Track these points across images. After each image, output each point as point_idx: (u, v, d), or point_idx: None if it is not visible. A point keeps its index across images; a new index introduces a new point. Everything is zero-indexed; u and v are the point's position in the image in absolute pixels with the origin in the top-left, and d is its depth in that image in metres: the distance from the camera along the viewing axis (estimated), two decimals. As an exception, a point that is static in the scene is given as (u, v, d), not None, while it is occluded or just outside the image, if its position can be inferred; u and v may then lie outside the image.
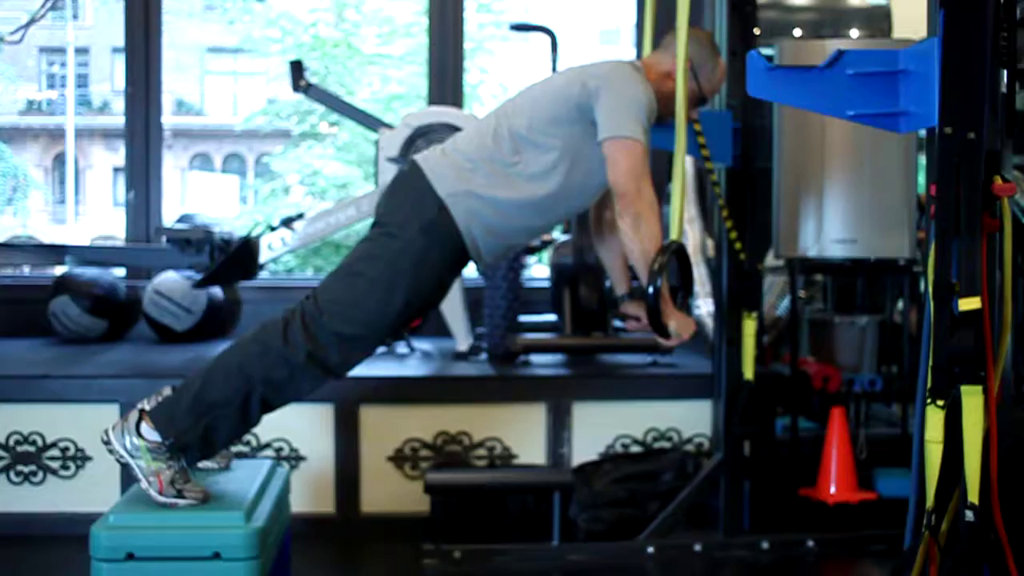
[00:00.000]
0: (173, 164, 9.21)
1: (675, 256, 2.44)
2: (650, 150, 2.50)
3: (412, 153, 3.84)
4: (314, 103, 4.55)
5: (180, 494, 2.23)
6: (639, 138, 2.42)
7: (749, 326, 3.17)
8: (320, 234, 4.02)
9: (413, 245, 2.42)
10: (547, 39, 4.37)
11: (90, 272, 4.25)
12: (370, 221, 2.57)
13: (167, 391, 2.37)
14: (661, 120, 2.66)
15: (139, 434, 2.27)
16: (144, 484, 2.26)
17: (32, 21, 4.43)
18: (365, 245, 2.49)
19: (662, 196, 3.73)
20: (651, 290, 2.34)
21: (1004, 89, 1.67)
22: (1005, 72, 1.67)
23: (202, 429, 2.31)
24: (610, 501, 3.21)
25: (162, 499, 2.23)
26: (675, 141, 2.49)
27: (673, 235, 2.44)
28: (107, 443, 2.30)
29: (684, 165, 2.49)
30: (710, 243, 3.90)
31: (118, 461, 2.30)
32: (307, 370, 2.38)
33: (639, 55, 4.90)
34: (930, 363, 1.59)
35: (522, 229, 2.55)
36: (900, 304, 3.69)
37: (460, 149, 2.53)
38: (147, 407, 2.33)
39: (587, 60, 2.65)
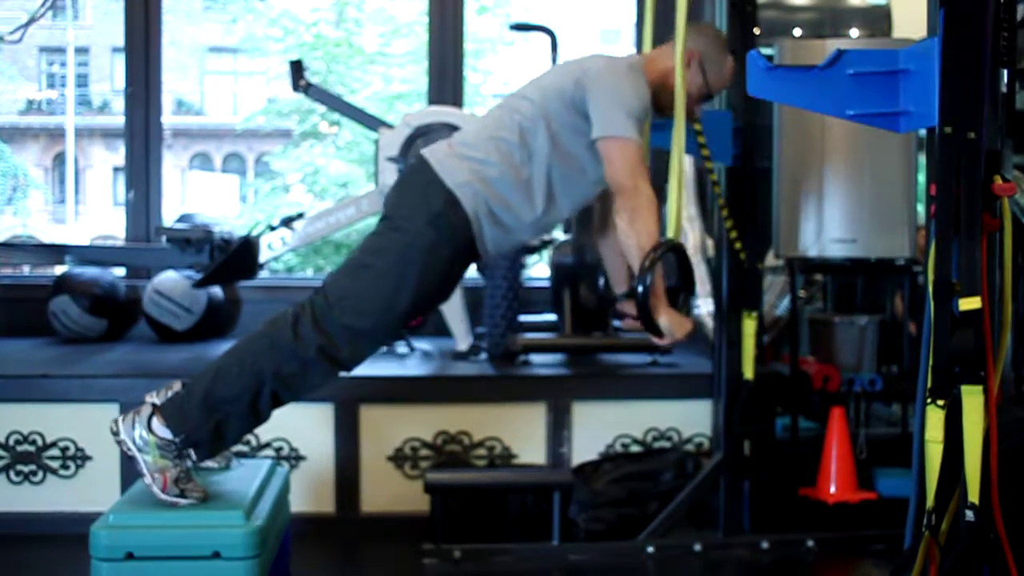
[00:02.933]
0: (173, 164, 9.22)
1: (673, 254, 2.43)
2: (650, 147, 2.50)
3: (412, 153, 3.86)
4: (314, 103, 4.55)
5: (183, 494, 2.24)
6: (633, 136, 2.43)
7: (749, 326, 3.17)
8: (320, 234, 4.02)
9: (421, 237, 2.43)
10: (547, 39, 4.37)
11: (90, 272, 4.25)
12: (373, 219, 2.58)
13: (177, 386, 2.37)
14: (663, 115, 2.67)
15: (150, 429, 2.27)
16: (148, 480, 2.26)
17: (32, 21, 4.43)
18: (373, 239, 2.50)
19: (661, 196, 3.72)
20: (640, 287, 2.33)
21: (1004, 89, 1.67)
22: (1005, 72, 1.67)
23: (213, 425, 2.32)
24: (610, 501, 3.21)
25: (165, 497, 2.23)
26: (672, 138, 2.49)
27: (670, 233, 2.43)
28: (115, 434, 2.30)
29: (682, 162, 2.49)
30: (710, 243, 3.90)
31: (125, 453, 2.30)
32: (317, 364, 2.39)
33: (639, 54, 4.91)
34: (930, 363, 1.58)
35: (526, 221, 2.55)
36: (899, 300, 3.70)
37: (467, 142, 2.54)
38: (158, 402, 2.33)
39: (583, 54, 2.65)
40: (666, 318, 2.41)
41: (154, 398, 2.35)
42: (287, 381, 2.38)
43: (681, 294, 2.55)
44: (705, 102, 2.77)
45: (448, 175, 2.47)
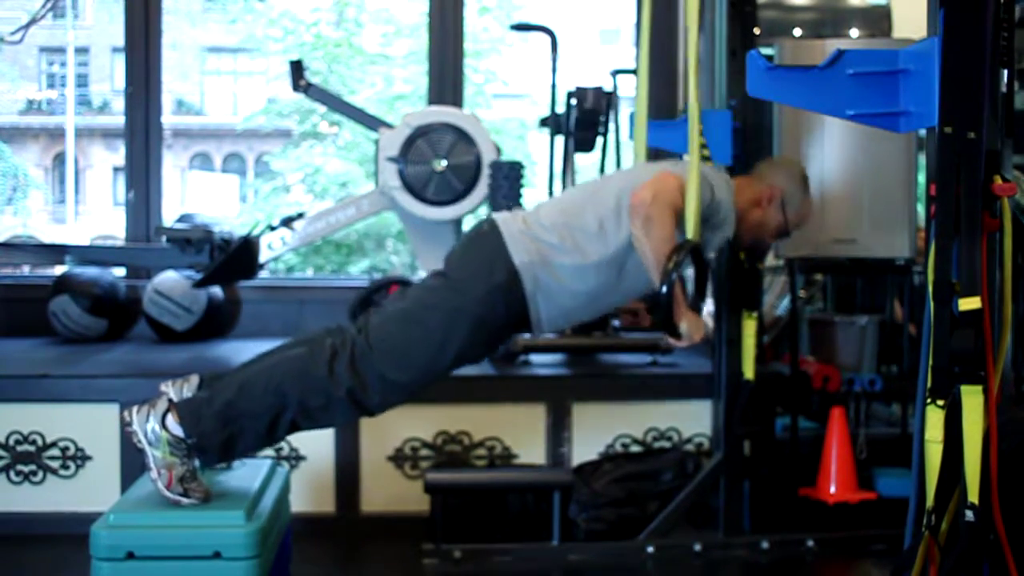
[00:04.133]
0: (173, 164, 9.21)
1: (690, 256, 2.43)
2: (652, 147, 2.51)
3: (412, 153, 3.86)
4: (315, 103, 4.55)
5: (186, 493, 2.24)
6: (676, 173, 2.45)
7: (749, 326, 3.17)
8: (320, 233, 4.02)
9: (476, 305, 2.43)
10: (547, 39, 4.38)
11: (90, 272, 4.25)
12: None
13: (194, 380, 2.36)
14: (739, 245, 2.85)
15: (164, 425, 2.27)
16: (154, 474, 2.25)
17: (32, 21, 4.43)
18: (427, 293, 2.48)
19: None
20: (664, 289, 2.32)
21: (1004, 89, 1.67)
22: (1005, 72, 1.67)
23: (226, 436, 2.31)
24: (610, 501, 3.21)
25: (168, 494, 2.23)
26: (689, 136, 2.50)
27: (689, 234, 2.43)
28: (128, 424, 2.29)
29: (699, 160, 2.49)
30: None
31: (135, 445, 2.29)
32: (344, 404, 2.38)
33: (638, 56, 4.91)
34: (930, 363, 1.59)
35: (587, 306, 2.56)
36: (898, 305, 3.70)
37: (543, 224, 2.53)
38: (174, 396, 2.32)
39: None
40: (686, 321, 2.41)
41: (170, 390, 2.33)
42: (309, 412, 2.37)
43: (695, 296, 2.54)
44: (782, 238, 2.85)
45: (516, 251, 2.47)
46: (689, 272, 2.51)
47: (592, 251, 2.50)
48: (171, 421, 2.27)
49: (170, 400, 2.31)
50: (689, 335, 2.43)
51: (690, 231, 2.43)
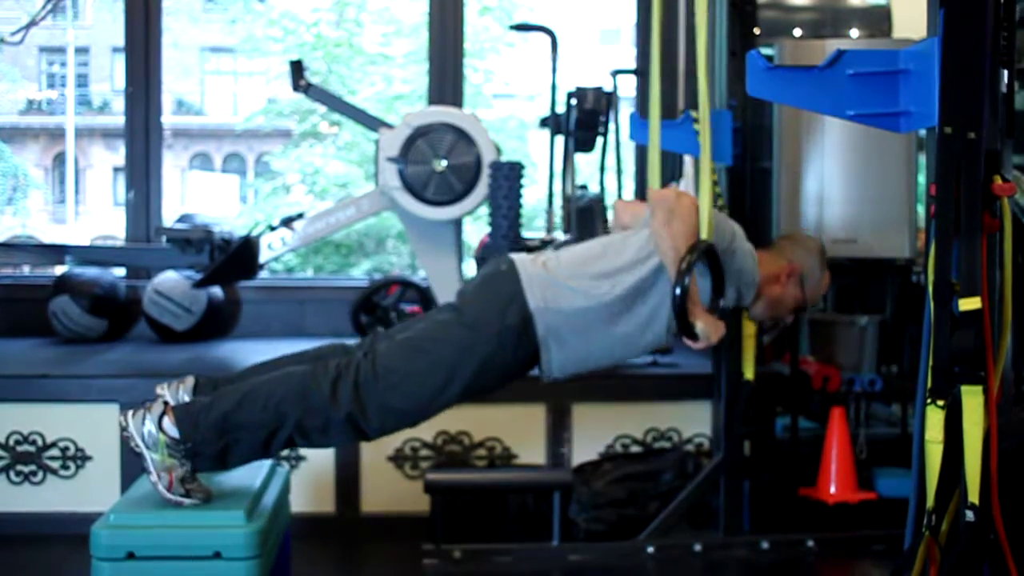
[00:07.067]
0: (173, 164, 9.20)
1: (705, 257, 2.42)
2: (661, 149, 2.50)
3: (412, 153, 3.86)
4: (314, 103, 4.56)
5: (188, 493, 2.23)
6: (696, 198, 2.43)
7: (749, 326, 3.17)
8: (320, 234, 4.02)
9: (486, 344, 2.39)
10: (547, 39, 4.38)
11: (90, 272, 4.25)
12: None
13: (189, 381, 2.36)
14: (755, 318, 2.88)
15: (160, 428, 2.26)
16: (154, 477, 2.25)
17: (33, 23, 4.43)
18: (438, 325, 2.45)
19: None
20: (678, 290, 2.32)
21: (1004, 89, 1.67)
22: (1005, 72, 1.67)
23: (222, 446, 2.29)
24: (610, 501, 3.22)
25: (169, 496, 2.23)
26: (700, 140, 2.49)
27: (703, 234, 2.41)
28: (124, 429, 2.28)
29: (711, 162, 2.48)
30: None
31: (132, 449, 2.29)
32: (342, 428, 2.36)
33: (638, 55, 4.92)
34: (930, 363, 1.59)
35: (601, 349, 2.50)
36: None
37: (562, 267, 2.50)
38: (169, 398, 2.32)
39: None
40: (703, 322, 2.41)
41: (165, 392, 2.33)
42: (306, 432, 2.35)
43: (713, 296, 2.53)
44: (799, 313, 2.85)
45: (532, 295, 2.43)
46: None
47: (606, 293, 2.46)
48: (168, 423, 2.27)
49: (166, 403, 2.31)
50: (706, 336, 2.42)
51: (704, 231, 2.41)
